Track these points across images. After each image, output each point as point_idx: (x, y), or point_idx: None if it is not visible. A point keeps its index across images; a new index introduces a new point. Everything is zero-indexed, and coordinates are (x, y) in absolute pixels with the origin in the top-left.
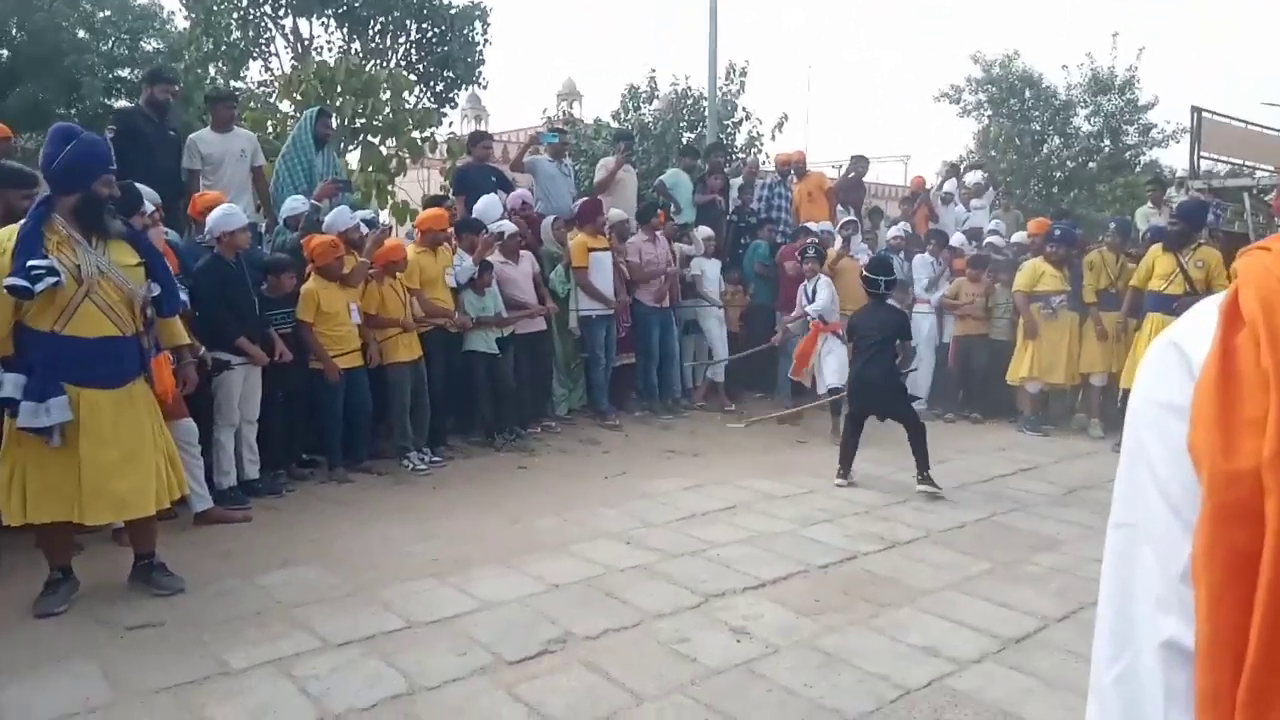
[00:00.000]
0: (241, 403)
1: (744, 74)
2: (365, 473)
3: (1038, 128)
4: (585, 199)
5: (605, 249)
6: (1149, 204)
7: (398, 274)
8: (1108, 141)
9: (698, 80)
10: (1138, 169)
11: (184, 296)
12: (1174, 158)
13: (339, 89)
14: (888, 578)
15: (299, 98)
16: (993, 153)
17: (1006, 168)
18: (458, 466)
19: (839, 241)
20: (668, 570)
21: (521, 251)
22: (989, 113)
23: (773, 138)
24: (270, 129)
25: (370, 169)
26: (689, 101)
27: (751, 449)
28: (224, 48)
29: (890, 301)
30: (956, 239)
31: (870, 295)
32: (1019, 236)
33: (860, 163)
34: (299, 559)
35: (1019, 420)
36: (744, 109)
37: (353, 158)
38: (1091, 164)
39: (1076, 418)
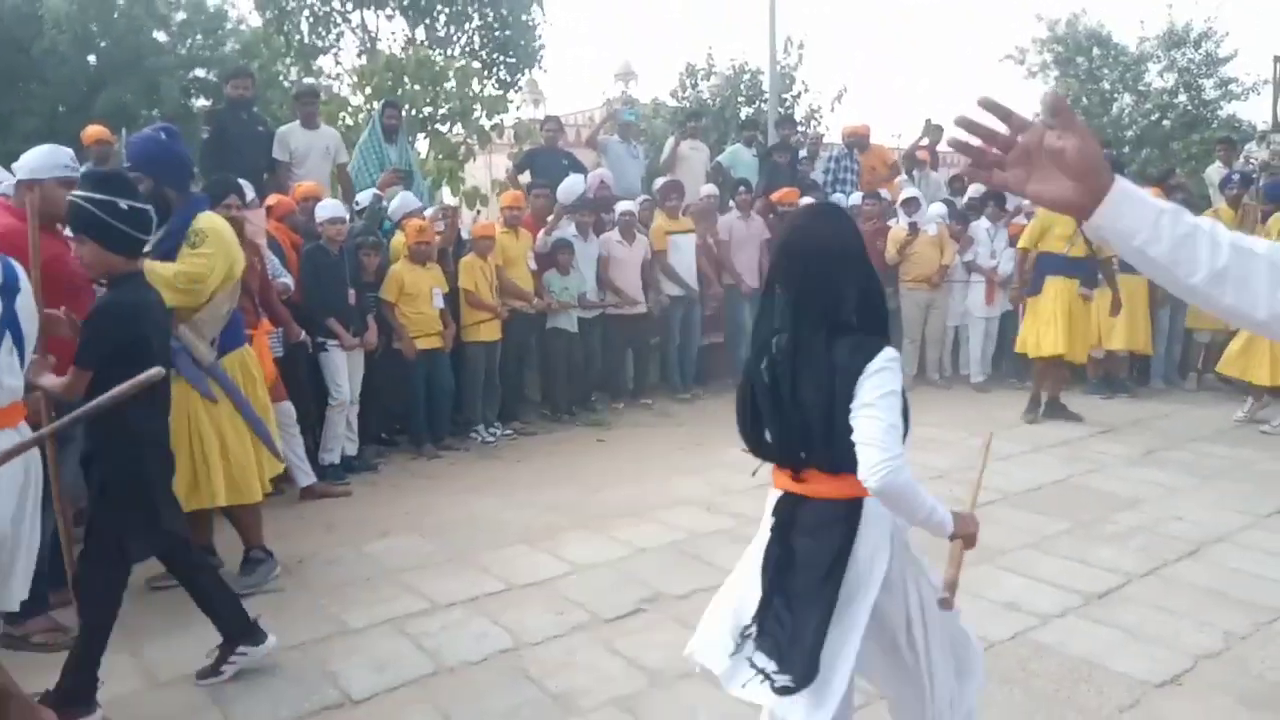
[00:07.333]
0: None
1: (802, 47)
2: (449, 449)
3: (1107, 86)
4: (666, 180)
5: (686, 231)
6: (1218, 162)
7: (487, 255)
8: (1183, 97)
9: (754, 56)
10: (1214, 125)
11: (287, 280)
12: (1254, 111)
13: (407, 80)
14: None
15: (370, 91)
16: None
17: None
18: (539, 441)
19: (901, 218)
20: (749, 534)
21: (637, 235)
22: (1055, 73)
23: (832, 109)
24: (342, 121)
25: (440, 156)
26: (746, 77)
27: None
28: (295, 44)
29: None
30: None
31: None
32: None
33: (934, 130)
34: (397, 530)
35: (1086, 385)
36: (803, 82)
37: (422, 146)
38: (1166, 121)
39: (1155, 380)
